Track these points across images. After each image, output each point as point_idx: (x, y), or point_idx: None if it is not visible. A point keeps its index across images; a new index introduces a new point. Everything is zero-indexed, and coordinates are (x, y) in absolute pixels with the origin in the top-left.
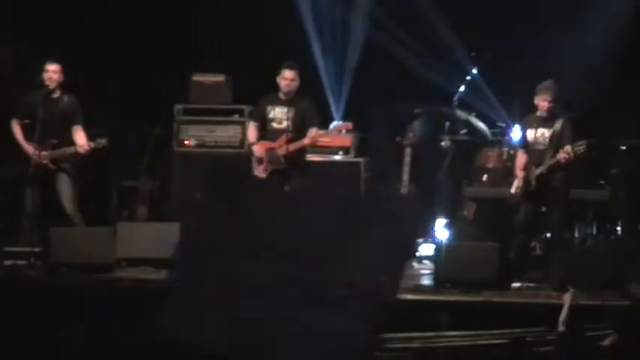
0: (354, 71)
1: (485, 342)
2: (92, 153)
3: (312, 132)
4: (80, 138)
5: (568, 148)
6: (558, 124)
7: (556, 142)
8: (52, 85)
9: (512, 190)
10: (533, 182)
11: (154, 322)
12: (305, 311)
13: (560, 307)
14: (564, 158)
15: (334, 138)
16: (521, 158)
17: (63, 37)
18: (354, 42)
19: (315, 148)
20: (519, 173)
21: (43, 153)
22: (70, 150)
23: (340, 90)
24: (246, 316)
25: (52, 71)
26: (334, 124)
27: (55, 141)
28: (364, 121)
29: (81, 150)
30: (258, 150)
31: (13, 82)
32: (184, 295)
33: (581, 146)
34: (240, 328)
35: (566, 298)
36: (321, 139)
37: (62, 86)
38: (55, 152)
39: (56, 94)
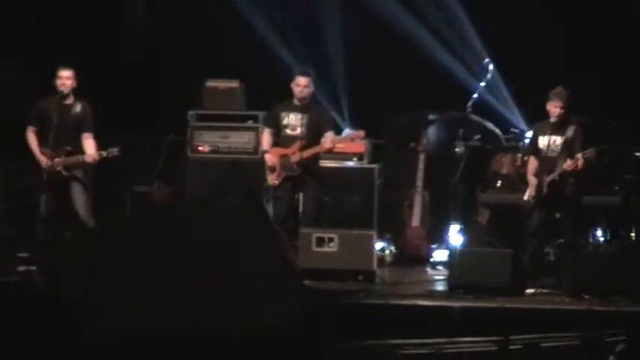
0: (366, 77)
1: (499, 348)
2: (104, 161)
3: (329, 135)
4: (89, 147)
5: (578, 155)
6: (570, 131)
7: (568, 149)
8: (65, 91)
9: (525, 197)
10: (545, 189)
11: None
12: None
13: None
14: (571, 167)
15: (348, 144)
16: (532, 164)
17: (76, 41)
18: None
19: (328, 154)
20: (531, 179)
21: (56, 160)
22: (81, 158)
23: (353, 96)
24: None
25: (65, 77)
26: (346, 131)
27: (68, 148)
28: (378, 128)
29: (88, 159)
30: (270, 159)
31: (23, 91)
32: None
33: (590, 153)
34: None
35: None
36: (336, 145)
37: (76, 92)
38: (67, 159)
39: (69, 100)
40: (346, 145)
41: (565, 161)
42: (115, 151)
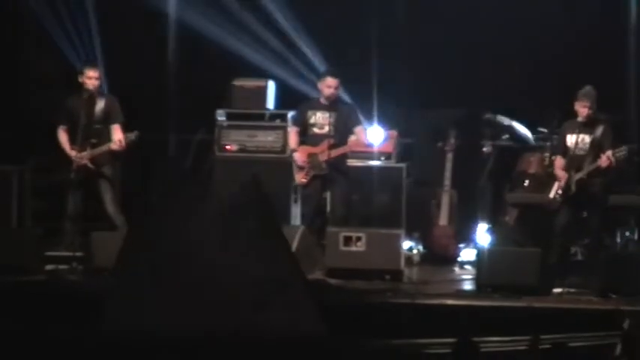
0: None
1: (526, 347)
2: (127, 149)
3: (358, 130)
4: (117, 135)
5: (609, 153)
6: (599, 130)
7: (596, 148)
8: (92, 90)
9: (551, 194)
10: (573, 187)
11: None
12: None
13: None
14: (605, 163)
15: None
16: (559, 163)
17: (106, 37)
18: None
19: (357, 153)
20: (560, 173)
21: (83, 153)
22: (105, 147)
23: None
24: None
25: (94, 77)
26: (373, 127)
27: (94, 141)
28: (407, 127)
29: (114, 146)
30: (299, 157)
31: (57, 87)
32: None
33: (622, 152)
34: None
35: None
36: (364, 147)
37: (101, 89)
38: (93, 151)
39: (95, 98)
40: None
41: (593, 160)
42: (132, 135)
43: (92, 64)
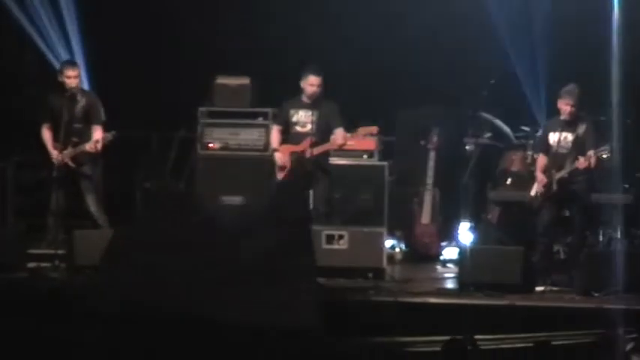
0: (377, 73)
1: (509, 346)
2: (105, 149)
3: (338, 132)
4: (96, 135)
5: (591, 153)
6: (582, 129)
7: (579, 147)
8: (73, 89)
9: (532, 193)
10: (554, 186)
11: None
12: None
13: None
14: (583, 165)
15: (358, 141)
16: (541, 161)
17: (88, 36)
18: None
19: (339, 151)
20: (539, 176)
21: (64, 152)
22: (84, 146)
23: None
24: None
25: (73, 76)
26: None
27: (75, 139)
28: (389, 125)
29: (89, 148)
30: (281, 157)
31: (36, 84)
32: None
33: (604, 151)
34: None
35: None
36: (347, 141)
37: (81, 87)
38: (74, 150)
39: (76, 96)
40: (357, 142)
41: (576, 159)
42: (109, 135)
43: (70, 63)
